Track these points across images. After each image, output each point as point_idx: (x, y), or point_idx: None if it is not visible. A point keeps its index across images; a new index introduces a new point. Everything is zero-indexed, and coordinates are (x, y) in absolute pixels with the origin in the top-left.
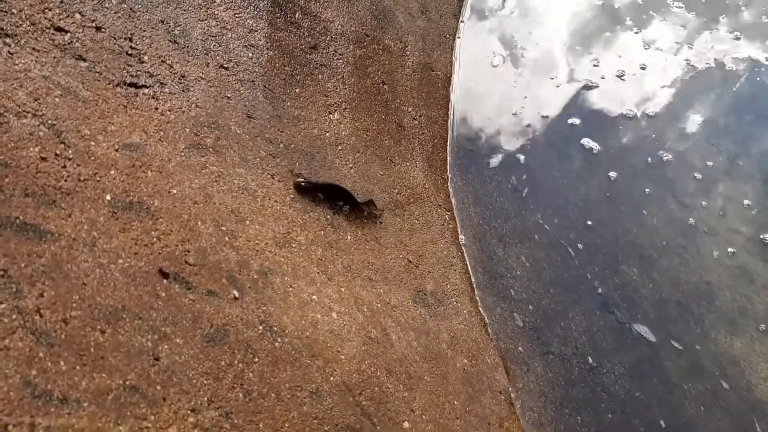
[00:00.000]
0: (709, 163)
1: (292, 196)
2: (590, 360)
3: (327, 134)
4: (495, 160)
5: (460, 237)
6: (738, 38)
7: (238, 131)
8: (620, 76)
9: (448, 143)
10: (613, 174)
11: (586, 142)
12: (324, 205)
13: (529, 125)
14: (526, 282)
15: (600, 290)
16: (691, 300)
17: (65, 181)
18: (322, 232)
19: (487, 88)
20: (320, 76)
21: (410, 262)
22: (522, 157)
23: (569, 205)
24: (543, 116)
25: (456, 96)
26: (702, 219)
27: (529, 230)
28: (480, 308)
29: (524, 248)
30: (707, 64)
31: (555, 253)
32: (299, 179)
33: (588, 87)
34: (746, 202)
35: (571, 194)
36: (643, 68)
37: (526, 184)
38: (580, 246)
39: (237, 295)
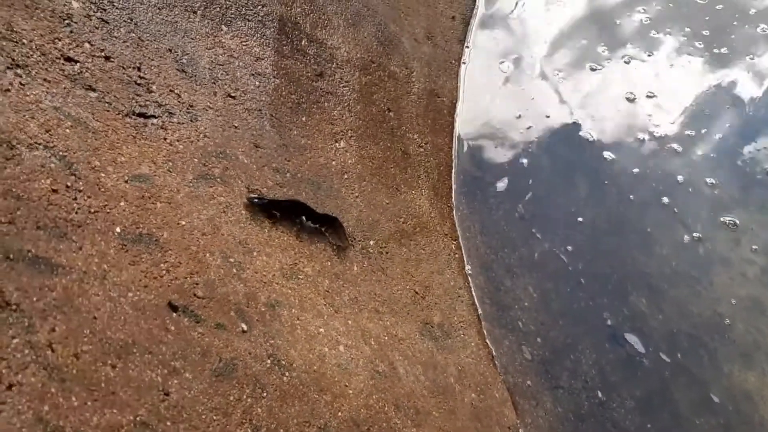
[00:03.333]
0: (724, 191)
1: (298, 226)
2: (600, 394)
3: (333, 163)
4: (502, 185)
5: (466, 267)
6: (752, 58)
7: (246, 161)
8: (631, 100)
9: (454, 170)
10: (622, 201)
11: (596, 166)
12: (284, 224)
13: (535, 149)
14: (535, 313)
15: (609, 321)
16: (702, 332)
17: (76, 213)
18: (329, 263)
19: (493, 113)
20: (326, 103)
21: (417, 293)
22: (530, 181)
23: (577, 232)
24: (550, 140)
25: (461, 122)
26: (714, 249)
27: (537, 260)
28: (488, 341)
29: (532, 278)
30: (727, 80)
31: (563, 283)
32: (252, 195)
33: (597, 110)
34: (762, 232)
35: (579, 221)
36: (652, 93)
37: (533, 211)
38: (588, 275)
39: (245, 328)
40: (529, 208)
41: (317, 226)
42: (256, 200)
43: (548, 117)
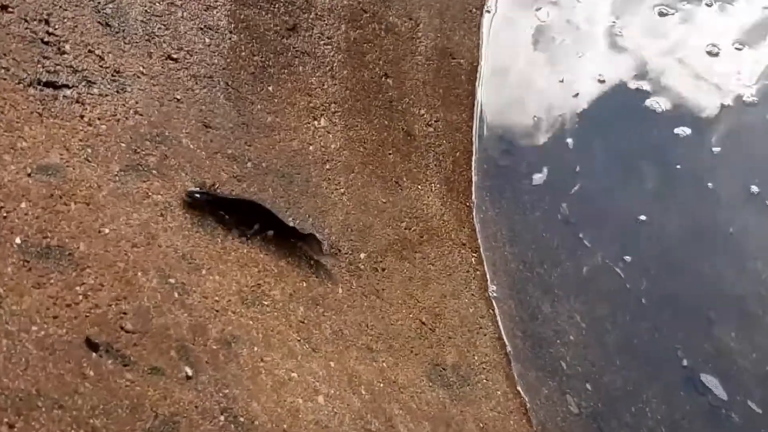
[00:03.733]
0: None
1: (254, 236)
2: None
3: (311, 148)
4: (539, 177)
5: (490, 288)
6: None
7: (192, 146)
8: (713, 54)
9: (474, 157)
10: (699, 192)
11: (666, 146)
12: (238, 232)
13: (584, 126)
14: (582, 350)
15: (685, 361)
16: None
17: None
18: (304, 284)
19: (527, 78)
20: (301, 68)
21: (423, 324)
22: (576, 169)
23: (639, 238)
24: (604, 113)
25: (484, 92)
26: None
27: (586, 277)
28: (519, 388)
29: (579, 303)
30: None
31: (622, 310)
32: (193, 189)
33: (667, 70)
34: None
35: (642, 222)
36: (741, 45)
37: (581, 211)
38: (655, 297)
39: (190, 372)
40: (575, 207)
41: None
42: (197, 195)
43: (602, 81)
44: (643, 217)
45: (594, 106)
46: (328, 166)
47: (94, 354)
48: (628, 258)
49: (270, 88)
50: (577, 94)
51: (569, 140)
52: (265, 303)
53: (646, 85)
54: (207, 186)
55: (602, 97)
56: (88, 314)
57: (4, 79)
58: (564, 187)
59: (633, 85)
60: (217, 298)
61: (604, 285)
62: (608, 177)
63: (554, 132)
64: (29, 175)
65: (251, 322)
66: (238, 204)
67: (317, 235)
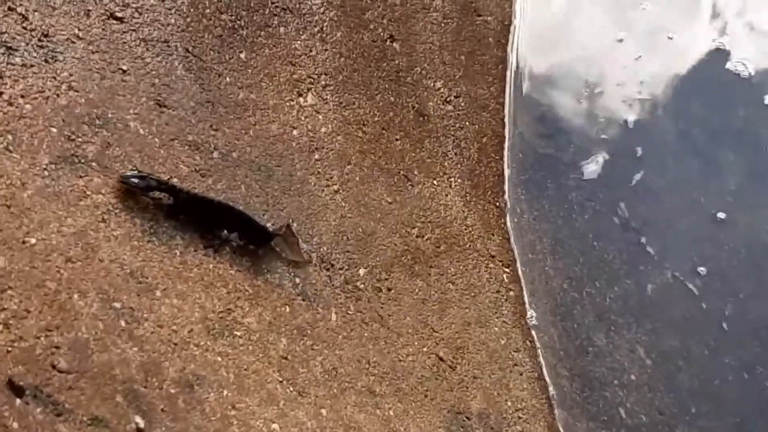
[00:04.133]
0: None
1: (216, 242)
2: None
3: (294, 132)
4: (592, 168)
5: (528, 313)
6: None
7: (142, 131)
8: None
9: (507, 143)
10: None
11: (754, 121)
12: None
13: (649, 98)
14: (647, 394)
15: None
16: None
17: None
18: (287, 309)
19: (575, 39)
20: (282, 29)
21: (441, 360)
22: (638, 154)
23: (717, 243)
24: (675, 81)
25: (519, 58)
26: None
27: (652, 299)
28: None
29: (644, 333)
30: None
31: (698, 341)
32: (128, 172)
33: (756, 22)
34: None
35: (720, 221)
36: None
37: (644, 212)
38: (742, 326)
39: (141, 424)
40: (636, 207)
41: (243, 243)
42: (133, 180)
43: (670, 38)
44: (721, 216)
45: (661, 73)
46: (317, 156)
47: (18, 400)
48: (702, 269)
49: (242, 56)
50: (639, 57)
51: (629, 117)
52: (237, 334)
53: (728, 43)
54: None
55: (671, 60)
56: (10, 349)
57: None
58: (623, 181)
59: (711, 43)
60: (175, 328)
61: (675, 308)
62: (679, 164)
63: (610, 108)
64: None
65: (219, 359)
66: (196, 203)
67: (293, 225)
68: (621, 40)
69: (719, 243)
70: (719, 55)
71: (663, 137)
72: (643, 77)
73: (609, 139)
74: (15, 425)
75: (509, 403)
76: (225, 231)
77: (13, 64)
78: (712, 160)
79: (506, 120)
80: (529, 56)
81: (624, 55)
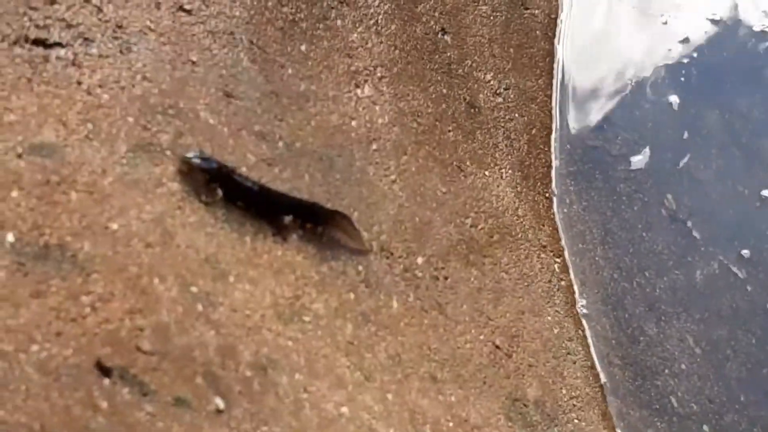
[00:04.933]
0: None
1: (301, 232)
2: None
3: (353, 123)
4: (639, 159)
5: (579, 303)
6: None
7: (211, 120)
8: None
9: (555, 135)
10: None
11: None
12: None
13: (696, 84)
14: (697, 383)
15: None
16: None
17: None
18: (352, 295)
19: (624, 31)
20: (339, 21)
21: (498, 348)
22: (685, 135)
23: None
24: (724, 65)
25: (567, 50)
26: None
27: (702, 288)
28: (618, 430)
29: (693, 322)
30: None
31: (747, 331)
32: (190, 154)
33: None
34: None
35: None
36: None
37: (693, 203)
38: None
39: (221, 405)
40: (685, 197)
41: (302, 223)
42: (196, 160)
43: (715, 20)
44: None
45: (709, 56)
46: (374, 147)
47: (106, 380)
48: (746, 253)
49: (302, 48)
50: (685, 39)
51: (674, 100)
52: (306, 319)
53: None
54: (202, 153)
55: (716, 42)
56: (97, 331)
57: None
58: (670, 169)
59: (757, 25)
60: (248, 313)
61: (723, 300)
62: (725, 148)
63: (658, 98)
64: (20, 156)
65: (291, 343)
66: (249, 189)
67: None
68: (666, 23)
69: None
70: (765, 37)
71: (711, 130)
72: (688, 59)
73: (655, 128)
74: (104, 404)
75: (564, 391)
76: (285, 217)
77: (90, 55)
78: (757, 143)
79: (554, 112)
80: (576, 49)
81: (669, 37)
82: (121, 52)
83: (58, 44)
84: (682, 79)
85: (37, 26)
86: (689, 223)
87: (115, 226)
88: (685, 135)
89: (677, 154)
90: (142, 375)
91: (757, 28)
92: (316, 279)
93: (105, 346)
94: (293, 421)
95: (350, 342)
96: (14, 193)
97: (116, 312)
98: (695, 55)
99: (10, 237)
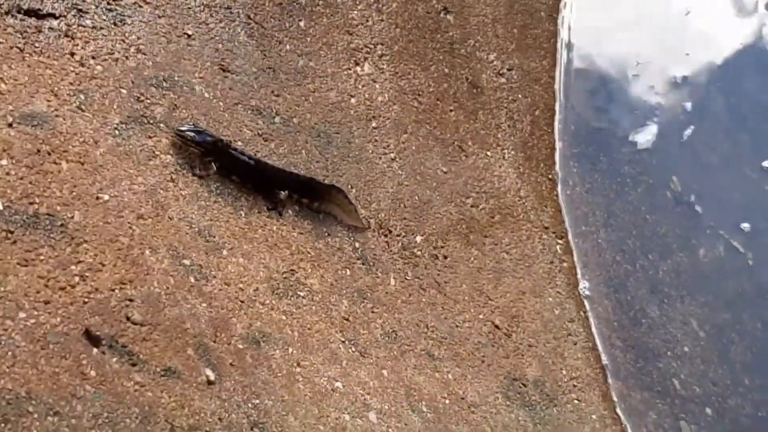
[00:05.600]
0: None
1: (297, 207)
2: None
3: (352, 100)
4: (645, 138)
5: (581, 285)
6: None
7: (207, 94)
8: None
9: (558, 116)
10: None
11: None
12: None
13: (707, 73)
14: (701, 365)
15: None
16: None
17: None
18: (348, 272)
19: (632, 10)
20: None
21: (497, 327)
22: (689, 129)
23: None
24: (738, 55)
25: (572, 31)
26: None
27: (706, 268)
28: (619, 411)
29: (696, 304)
30: None
31: (750, 314)
32: (183, 127)
33: None
34: None
35: None
36: None
37: (698, 185)
38: None
39: (212, 376)
40: (690, 179)
41: (298, 198)
42: (189, 133)
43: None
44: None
45: (711, 28)
46: (374, 124)
47: (95, 350)
48: (756, 251)
49: (301, 24)
50: (688, 13)
51: (683, 91)
52: (301, 294)
53: None
54: (196, 124)
55: (721, 16)
56: (86, 300)
57: None
58: (676, 153)
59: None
60: (241, 286)
61: (727, 281)
62: (735, 138)
63: (665, 82)
64: (10, 125)
65: (284, 317)
66: (253, 166)
67: (351, 191)
68: (688, 14)
69: None
70: None
71: (718, 113)
72: (692, 34)
73: (663, 113)
74: (92, 373)
75: (564, 372)
76: (282, 192)
77: (84, 26)
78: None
79: (558, 93)
80: (581, 30)
81: (674, 12)
82: (115, 24)
83: (51, 15)
84: (688, 54)
85: None
86: (695, 207)
87: (106, 197)
88: (689, 107)
89: (682, 131)
90: (132, 345)
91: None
92: (311, 254)
93: (94, 315)
94: (285, 395)
95: (345, 318)
96: (3, 162)
97: (106, 282)
98: (700, 28)
99: None
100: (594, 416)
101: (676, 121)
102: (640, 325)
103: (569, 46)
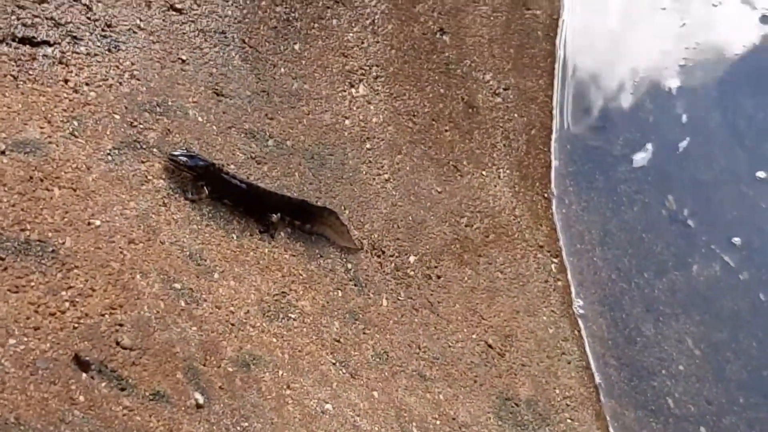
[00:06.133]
0: None
1: (289, 229)
2: None
3: (347, 122)
4: (641, 157)
5: (575, 303)
6: None
7: (200, 118)
8: None
9: (555, 135)
10: None
11: None
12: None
13: (705, 90)
14: (696, 384)
15: None
16: None
17: None
18: (340, 293)
19: (629, 30)
20: (335, 21)
21: (490, 347)
22: (684, 144)
23: None
24: (720, 50)
25: (568, 52)
26: None
27: (701, 290)
28: (612, 430)
29: (691, 323)
30: None
31: (746, 333)
32: (176, 152)
33: None
34: None
35: None
36: None
37: (694, 203)
38: None
39: (201, 400)
40: (687, 198)
41: (290, 220)
42: (182, 157)
43: (715, 5)
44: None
45: (707, 39)
46: (368, 146)
47: (84, 374)
48: (752, 270)
49: (296, 47)
50: (697, 46)
51: (679, 109)
52: (292, 316)
53: None
54: (190, 150)
55: (717, 26)
56: (76, 325)
57: None
58: (673, 172)
59: (756, 11)
60: (232, 309)
61: (723, 300)
62: (731, 156)
63: (663, 100)
64: (3, 152)
65: (275, 340)
66: (245, 189)
67: (344, 213)
68: (664, 9)
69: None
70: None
71: (715, 131)
72: (687, 44)
73: (659, 132)
74: (81, 398)
75: (557, 391)
76: (273, 214)
77: (78, 53)
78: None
79: (554, 112)
80: (577, 50)
81: (682, 44)
82: (109, 50)
83: (46, 42)
84: (695, 83)
85: (24, 24)
86: (693, 225)
87: (97, 222)
88: (688, 141)
89: (678, 143)
90: (121, 369)
91: (758, 14)
92: (303, 276)
93: (84, 340)
94: (275, 417)
95: (336, 339)
96: None
97: (96, 307)
98: (705, 63)
99: None
100: None
101: (672, 134)
102: (634, 344)
103: (566, 65)
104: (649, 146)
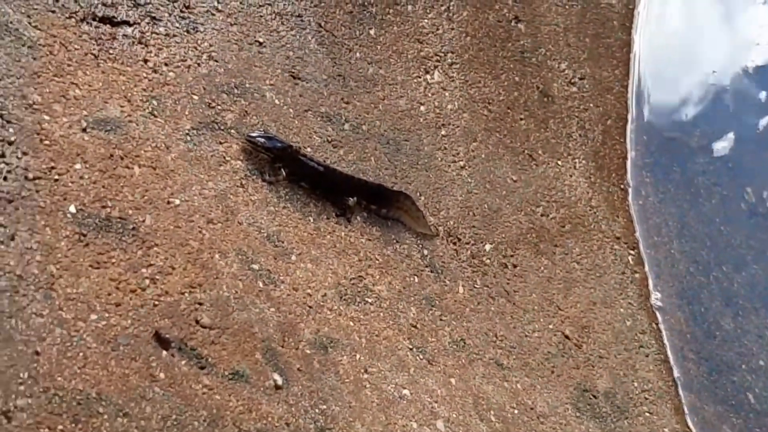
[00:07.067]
0: None
1: (366, 213)
2: None
3: (422, 108)
4: (721, 146)
5: (653, 296)
6: None
7: (277, 101)
8: None
9: (631, 126)
10: None
11: None
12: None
13: None
14: None
15: None
16: None
17: (3, 180)
18: (416, 279)
19: (708, 19)
20: (410, 6)
21: (567, 338)
22: (765, 120)
23: None
24: None
25: (644, 41)
26: None
27: None
28: (691, 425)
29: None
30: None
31: None
32: (254, 133)
33: None
34: None
35: None
36: None
37: None
38: None
39: (280, 381)
40: (764, 187)
41: (371, 206)
42: (260, 139)
43: None
44: None
45: None
46: (443, 132)
47: (164, 352)
48: None
49: (371, 32)
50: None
51: (758, 87)
52: (369, 300)
53: None
54: (266, 131)
55: None
56: (156, 303)
57: (53, 12)
58: (754, 163)
59: None
60: (309, 291)
61: None
62: None
63: (743, 88)
64: (84, 129)
65: (352, 323)
66: (322, 172)
67: (419, 199)
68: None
69: None
70: None
71: None
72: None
73: (740, 121)
74: (162, 375)
75: (635, 384)
76: (350, 198)
77: (157, 33)
78: None
79: (630, 103)
80: (654, 39)
81: (754, 24)
82: (187, 31)
83: (126, 22)
84: (763, 53)
85: (105, 4)
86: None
87: (177, 201)
88: (763, 97)
89: (759, 129)
90: (201, 348)
91: None
92: (379, 261)
93: (164, 318)
94: (353, 401)
95: (413, 325)
96: (77, 166)
97: (176, 285)
98: None
99: (72, 208)
100: (666, 429)
101: (751, 116)
102: (713, 338)
103: (642, 56)
104: (731, 135)
